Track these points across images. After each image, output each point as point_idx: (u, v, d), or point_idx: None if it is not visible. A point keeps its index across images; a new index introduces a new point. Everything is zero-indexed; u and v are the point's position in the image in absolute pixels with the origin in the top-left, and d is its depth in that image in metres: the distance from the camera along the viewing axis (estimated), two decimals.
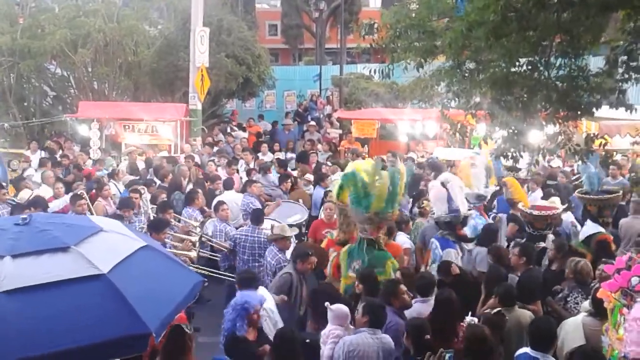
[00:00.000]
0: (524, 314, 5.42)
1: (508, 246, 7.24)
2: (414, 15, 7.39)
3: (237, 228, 8.69)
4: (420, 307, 5.58)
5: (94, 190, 9.69)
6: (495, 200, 9.51)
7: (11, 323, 2.83)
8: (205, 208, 9.65)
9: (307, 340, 5.11)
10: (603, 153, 7.83)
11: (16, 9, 19.15)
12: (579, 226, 8.24)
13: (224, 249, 8.32)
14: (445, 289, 5.55)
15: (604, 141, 7.20)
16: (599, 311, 4.86)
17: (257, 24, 30.31)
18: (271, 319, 5.67)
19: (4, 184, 9.49)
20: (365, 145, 16.34)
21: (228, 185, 10.27)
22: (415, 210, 9.13)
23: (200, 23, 15.68)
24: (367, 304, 5.02)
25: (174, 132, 14.91)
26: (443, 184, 7.25)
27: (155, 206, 9.04)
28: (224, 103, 21.33)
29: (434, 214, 7.47)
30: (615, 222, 8.19)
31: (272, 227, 7.55)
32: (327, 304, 5.14)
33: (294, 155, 15.18)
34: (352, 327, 5.14)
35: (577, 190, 8.66)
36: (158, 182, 10.75)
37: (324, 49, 31.11)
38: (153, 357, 4.34)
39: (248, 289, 5.61)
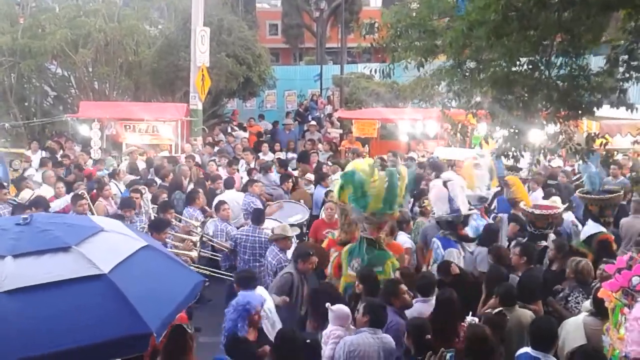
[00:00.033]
0: (525, 314, 5.42)
1: (509, 246, 7.24)
2: (414, 14, 7.40)
3: (238, 227, 8.70)
4: (421, 307, 5.58)
5: (94, 190, 9.69)
6: (495, 201, 9.50)
7: (12, 323, 2.83)
8: (207, 208, 9.66)
9: (308, 341, 5.10)
10: (604, 152, 7.84)
11: (17, 8, 19.15)
12: (579, 225, 8.23)
13: (225, 249, 8.32)
14: (446, 289, 5.54)
15: (604, 140, 7.20)
16: (599, 311, 4.86)
17: (257, 23, 30.33)
18: (269, 319, 5.66)
19: (5, 184, 9.50)
20: (366, 145, 16.33)
21: (229, 184, 10.27)
22: (416, 209, 9.12)
23: (200, 23, 15.68)
24: (368, 304, 5.02)
25: (175, 132, 14.92)
26: (445, 183, 7.24)
27: (156, 206, 9.05)
28: (225, 103, 21.34)
29: (434, 213, 7.46)
30: (617, 221, 8.19)
31: (273, 229, 7.56)
32: (328, 304, 5.14)
33: (294, 155, 15.18)
34: (353, 327, 5.14)
35: (578, 190, 8.64)
36: (159, 181, 10.76)
37: (324, 48, 31.12)
38: (154, 357, 4.34)
39: (247, 289, 5.61)
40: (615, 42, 6.67)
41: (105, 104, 16.56)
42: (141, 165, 12.35)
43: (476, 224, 7.80)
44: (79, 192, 8.91)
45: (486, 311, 5.46)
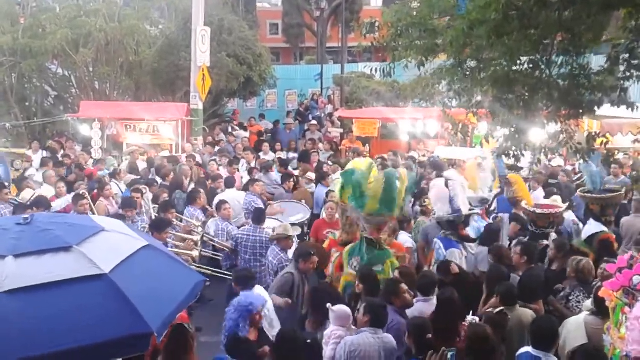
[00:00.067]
0: (526, 313, 5.41)
1: (510, 245, 7.23)
2: (415, 13, 7.39)
3: (239, 227, 8.70)
4: (422, 307, 5.57)
5: (95, 190, 9.70)
6: (495, 201, 9.49)
7: (13, 323, 2.83)
8: (207, 207, 9.66)
9: (309, 341, 5.10)
10: (605, 152, 7.83)
11: (17, 8, 19.18)
12: (580, 225, 8.23)
13: (226, 249, 8.32)
14: (447, 289, 5.53)
15: (605, 140, 7.20)
16: (600, 310, 4.85)
17: (258, 23, 30.31)
18: (267, 318, 5.67)
19: (6, 183, 9.51)
20: (367, 145, 16.32)
21: (230, 183, 10.28)
22: (417, 208, 9.12)
23: (201, 22, 15.69)
24: (368, 304, 5.02)
25: (176, 132, 14.92)
26: (447, 181, 7.23)
27: (157, 206, 9.06)
28: (225, 102, 21.33)
29: (435, 213, 7.45)
30: (618, 220, 8.18)
31: (274, 228, 7.56)
32: (329, 305, 5.13)
33: (295, 155, 15.18)
34: (354, 327, 5.13)
35: (579, 189, 8.64)
36: (160, 181, 10.77)
37: (325, 48, 31.12)
38: (155, 357, 4.35)
39: (245, 288, 5.61)
40: (615, 41, 6.67)
41: (106, 104, 16.56)
42: (142, 165, 12.35)
43: (477, 225, 7.80)
44: (80, 192, 8.92)
45: (487, 310, 5.45)
